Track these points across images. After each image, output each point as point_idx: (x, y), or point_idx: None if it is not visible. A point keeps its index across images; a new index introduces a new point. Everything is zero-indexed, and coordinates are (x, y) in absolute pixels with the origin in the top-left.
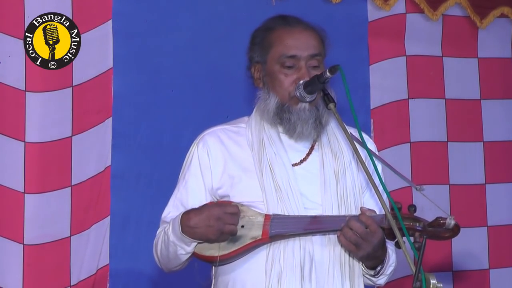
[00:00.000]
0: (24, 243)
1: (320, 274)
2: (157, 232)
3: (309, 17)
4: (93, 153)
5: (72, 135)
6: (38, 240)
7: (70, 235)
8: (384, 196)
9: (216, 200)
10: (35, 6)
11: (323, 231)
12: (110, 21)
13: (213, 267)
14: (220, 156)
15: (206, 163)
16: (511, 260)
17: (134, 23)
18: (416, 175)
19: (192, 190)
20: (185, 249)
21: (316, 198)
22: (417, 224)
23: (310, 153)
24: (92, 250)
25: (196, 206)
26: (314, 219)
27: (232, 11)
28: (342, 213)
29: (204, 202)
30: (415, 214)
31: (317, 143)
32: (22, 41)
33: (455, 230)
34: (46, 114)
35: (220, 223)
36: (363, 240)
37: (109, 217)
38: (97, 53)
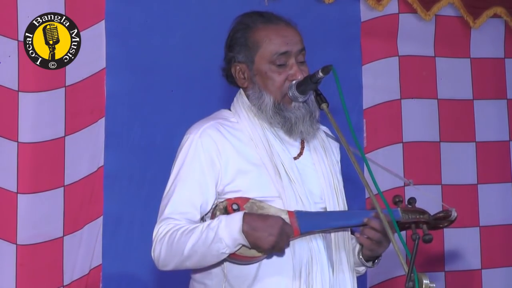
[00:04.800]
0: (17, 243)
1: (341, 268)
2: (166, 229)
3: (302, 17)
4: (86, 153)
5: (65, 135)
6: (31, 240)
7: (63, 235)
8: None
9: (218, 195)
10: (28, 7)
11: (347, 227)
12: (103, 21)
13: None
14: (227, 151)
15: (214, 157)
16: (503, 260)
17: (127, 23)
18: (409, 175)
19: (200, 186)
20: (230, 248)
21: (318, 191)
22: (422, 217)
23: (303, 147)
24: (85, 250)
25: (205, 203)
26: (335, 215)
27: (225, 11)
28: (341, 205)
29: (211, 198)
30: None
31: (304, 138)
32: (15, 42)
33: (454, 221)
34: (39, 114)
35: (279, 237)
36: (384, 236)
37: (102, 217)
38: (90, 53)
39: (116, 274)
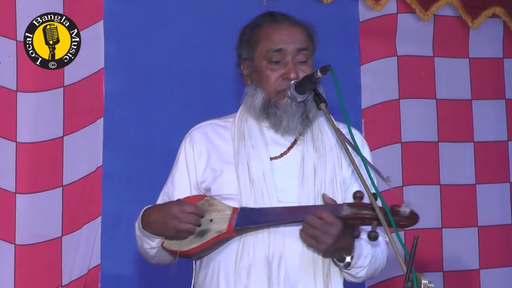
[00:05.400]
0: (16, 243)
1: (290, 268)
2: None
3: (300, 17)
4: (85, 153)
5: (63, 135)
6: (30, 240)
7: (62, 235)
8: (373, 191)
9: (202, 194)
10: (27, 7)
11: (287, 223)
12: (102, 21)
13: (194, 261)
14: (204, 150)
15: (191, 157)
16: (502, 260)
17: (125, 23)
18: (407, 175)
19: (178, 185)
20: (149, 244)
21: (293, 192)
22: (370, 213)
23: (292, 147)
24: (83, 250)
25: None
26: (279, 210)
27: (223, 10)
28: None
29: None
30: (363, 202)
31: (300, 138)
32: (14, 42)
33: (413, 218)
34: (38, 114)
35: (175, 221)
36: (321, 233)
37: (100, 217)
38: (89, 53)
39: (114, 274)
